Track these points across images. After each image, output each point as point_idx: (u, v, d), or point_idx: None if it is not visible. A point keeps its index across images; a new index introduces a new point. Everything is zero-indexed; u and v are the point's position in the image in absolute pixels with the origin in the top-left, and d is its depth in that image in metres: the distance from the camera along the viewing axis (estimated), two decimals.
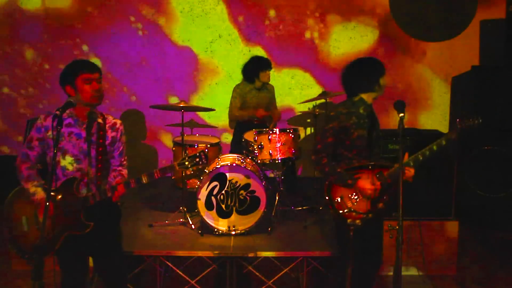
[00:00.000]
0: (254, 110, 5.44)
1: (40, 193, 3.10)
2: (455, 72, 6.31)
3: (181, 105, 4.83)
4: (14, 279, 4.33)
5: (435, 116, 6.41)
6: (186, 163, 3.20)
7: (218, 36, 6.29)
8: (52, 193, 3.01)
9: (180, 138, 4.93)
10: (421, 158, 3.25)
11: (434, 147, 3.27)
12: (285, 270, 4.24)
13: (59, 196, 3.09)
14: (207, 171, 4.54)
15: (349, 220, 3.27)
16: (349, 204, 3.31)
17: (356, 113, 3.33)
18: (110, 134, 3.21)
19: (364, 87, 3.36)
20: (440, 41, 6.28)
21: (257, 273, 4.20)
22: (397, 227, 2.93)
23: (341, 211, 3.31)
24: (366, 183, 3.26)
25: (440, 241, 4.47)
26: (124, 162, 3.32)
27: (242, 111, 5.47)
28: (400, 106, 3.08)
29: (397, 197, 2.93)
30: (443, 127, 6.28)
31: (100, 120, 3.19)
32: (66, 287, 3.23)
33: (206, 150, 3.21)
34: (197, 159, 3.20)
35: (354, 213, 3.31)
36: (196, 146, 4.98)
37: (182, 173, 4.84)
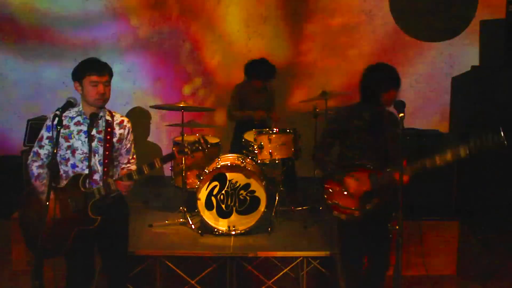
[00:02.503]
0: (253, 111, 5.44)
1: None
2: (455, 72, 6.31)
3: (181, 105, 4.83)
4: (14, 279, 4.32)
5: (435, 116, 6.40)
6: (186, 149, 3.21)
7: (218, 36, 6.29)
8: (60, 190, 3.11)
9: (180, 138, 4.93)
10: (420, 168, 3.19)
11: (437, 161, 3.14)
12: (285, 270, 4.24)
13: (67, 193, 3.13)
14: (207, 171, 4.54)
15: (335, 212, 3.42)
16: (336, 198, 3.40)
17: (358, 117, 3.37)
18: (117, 131, 3.25)
19: (366, 97, 3.38)
20: (440, 41, 6.27)
21: (257, 273, 4.20)
22: (397, 227, 2.94)
23: (329, 202, 3.43)
24: (351, 181, 3.33)
25: (440, 241, 4.46)
26: (132, 160, 3.37)
27: (240, 112, 5.47)
28: (400, 106, 3.09)
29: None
30: (443, 127, 6.28)
31: (108, 118, 3.24)
32: (71, 285, 3.28)
33: (202, 139, 3.19)
34: (197, 145, 3.20)
35: (339, 207, 3.40)
36: None
37: (183, 174, 4.84)
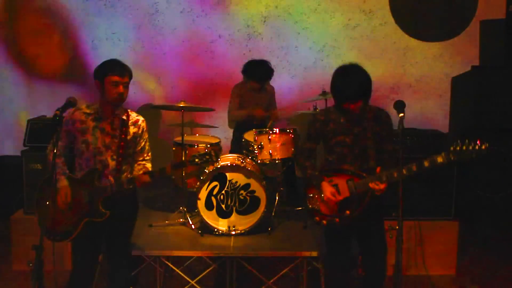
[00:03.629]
0: (253, 109, 5.44)
1: (63, 181, 3.34)
2: (455, 72, 6.31)
3: (181, 105, 4.83)
4: (14, 279, 4.33)
5: (435, 116, 6.40)
6: (196, 159, 3.40)
7: (218, 36, 6.29)
8: (75, 181, 3.36)
9: (180, 138, 4.93)
10: (395, 176, 3.10)
11: (414, 168, 3.07)
12: (285, 270, 4.24)
13: (81, 184, 3.34)
14: (207, 171, 4.54)
15: (316, 219, 3.42)
16: (317, 204, 3.40)
17: (334, 120, 3.32)
18: (132, 130, 3.43)
19: (335, 103, 3.31)
20: (440, 41, 6.27)
21: (257, 273, 4.20)
22: (397, 227, 2.94)
23: (310, 206, 3.45)
24: (327, 187, 3.30)
25: (440, 241, 4.46)
26: (147, 157, 3.56)
27: (240, 111, 5.47)
28: (400, 106, 3.09)
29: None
30: (443, 127, 6.28)
31: (124, 117, 3.41)
32: (75, 276, 3.42)
33: (213, 152, 3.34)
34: (207, 156, 3.40)
35: (319, 213, 3.40)
36: (196, 146, 4.98)
37: (183, 174, 4.84)
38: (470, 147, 2.93)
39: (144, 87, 6.33)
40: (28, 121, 5.30)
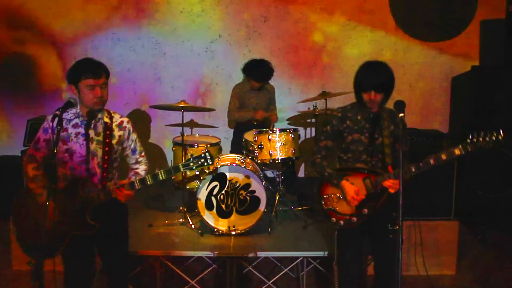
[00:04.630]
0: (254, 112, 5.44)
1: (45, 195, 2.98)
2: (455, 72, 6.31)
3: (181, 105, 4.83)
4: (14, 279, 4.33)
5: (435, 116, 6.40)
6: (191, 164, 3.13)
7: (218, 36, 6.29)
8: (58, 192, 3.01)
9: (180, 138, 4.93)
10: (413, 170, 3.12)
11: (432, 161, 3.09)
12: (285, 270, 4.24)
13: (65, 197, 3.06)
14: (207, 171, 4.54)
15: (332, 219, 3.37)
16: (334, 204, 3.36)
17: (351, 118, 3.33)
18: (117, 133, 3.17)
19: (356, 95, 3.32)
20: (440, 41, 6.28)
21: (257, 273, 4.20)
22: (397, 227, 2.93)
23: (325, 208, 3.38)
24: (350, 187, 3.26)
25: (440, 241, 4.46)
26: (140, 159, 3.31)
27: (241, 112, 5.47)
28: (400, 106, 3.09)
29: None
30: (443, 127, 6.28)
31: (107, 120, 3.15)
32: (70, 285, 3.22)
33: (207, 151, 3.17)
34: (202, 160, 3.13)
35: (336, 213, 3.36)
36: (196, 146, 4.98)
37: (183, 174, 4.84)
38: (487, 138, 2.96)
39: (144, 87, 6.32)
40: (28, 121, 5.31)
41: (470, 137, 3.00)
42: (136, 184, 3.09)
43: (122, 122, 3.22)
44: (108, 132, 3.13)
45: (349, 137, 3.33)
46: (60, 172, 3.10)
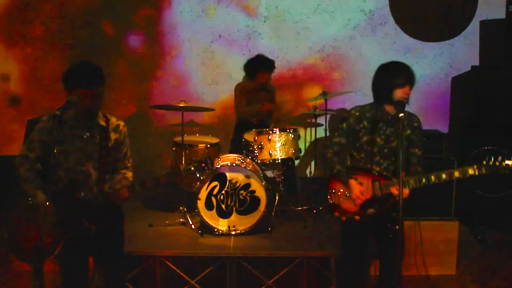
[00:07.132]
0: (261, 104, 5.44)
1: (39, 196, 3.01)
2: (455, 72, 6.31)
3: (181, 105, 4.83)
4: (14, 279, 4.32)
5: (435, 116, 6.40)
6: (192, 168, 3.15)
7: (218, 36, 6.29)
8: (54, 194, 2.97)
9: (180, 138, 4.93)
10: (424, 182, 3.15)
11: (444, 176, 3.12)
12: (285, 270, 4.23)
13: (61, 199, 3.02)
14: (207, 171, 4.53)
15: (335, 214, 3.39)
16: (339, 199, 3.38)
17: (369, 118, 3.30)
18: (113, 136, 3.15)
19: (379, 96, 3.30)
20: (440, 41, 6.28)
21: (257, 273, 4.20)
22: (397, 227, 2.93)
23: (330, 202, 3.41)
24: (356, 186, 3.27)
25: (440, 241, 4.46)
26: (129, 165, 3.27)
27: (249, 108, 5.48)
28: (400, 106, 3.09)
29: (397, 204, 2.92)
30: (443, 127, 6.28)
31: (103, 123, 3.13)
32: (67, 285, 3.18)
33: (208, 160, 3.20)
34: (203, 165, 3.16)
35: (340, 209, 3.38)
36: (196, 146, 4.98)
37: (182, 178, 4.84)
38: (504, 164, 2.99)
39: (144, 87, 6.32)
40: (28, 121, 5.29)
41: (487, 159, 3.02)
42: (135, 187, 3.09)
43: (118, 125, 3.19)
44: (104, 135, 3.10)
45: (365, 137, 3.30)
46: (56, 175, 3.05)
